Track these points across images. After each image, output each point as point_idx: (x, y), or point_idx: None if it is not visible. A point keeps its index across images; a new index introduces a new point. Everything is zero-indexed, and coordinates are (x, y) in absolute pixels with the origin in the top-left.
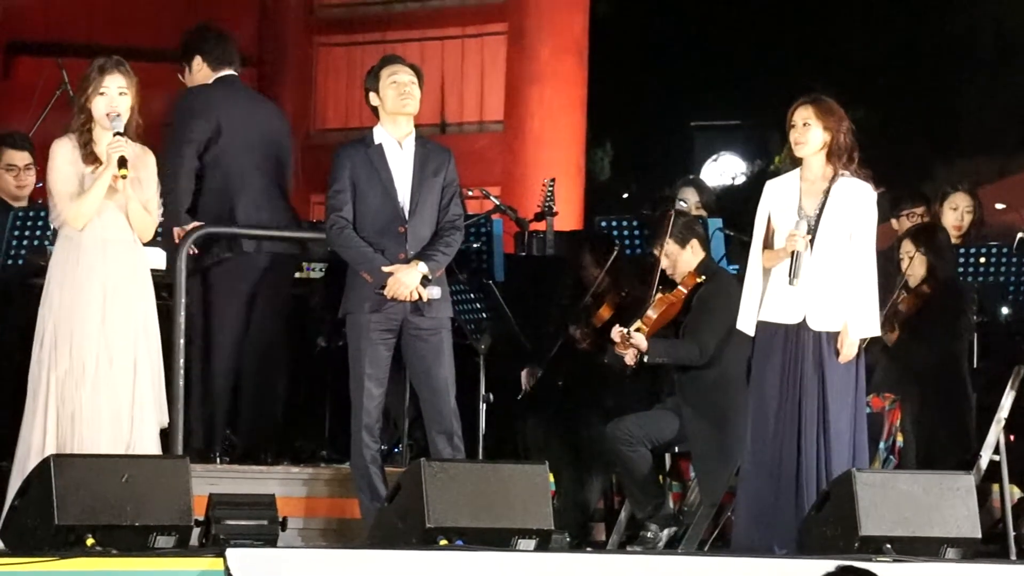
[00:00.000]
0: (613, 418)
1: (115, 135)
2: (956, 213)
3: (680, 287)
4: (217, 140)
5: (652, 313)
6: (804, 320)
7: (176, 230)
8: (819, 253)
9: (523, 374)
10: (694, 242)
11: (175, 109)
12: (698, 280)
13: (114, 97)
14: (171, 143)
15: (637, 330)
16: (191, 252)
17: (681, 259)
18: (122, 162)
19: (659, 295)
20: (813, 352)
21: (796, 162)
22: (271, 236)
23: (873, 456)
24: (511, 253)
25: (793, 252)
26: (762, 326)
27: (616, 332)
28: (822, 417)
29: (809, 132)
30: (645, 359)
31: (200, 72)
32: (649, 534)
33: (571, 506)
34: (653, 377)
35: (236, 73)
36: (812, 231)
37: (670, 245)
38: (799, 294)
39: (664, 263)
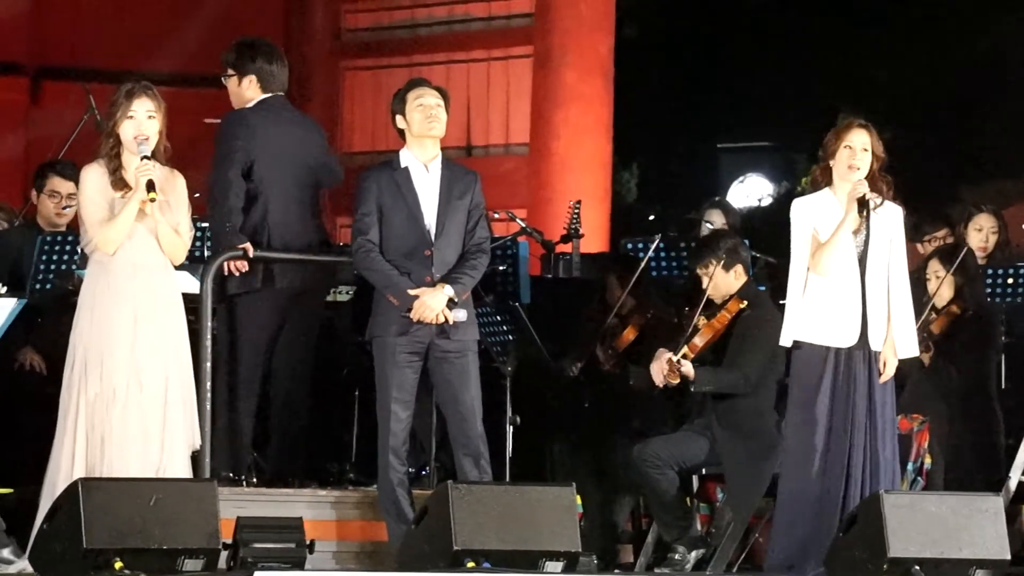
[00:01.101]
0: (639, 439)
1: (143, 159)
2: (981, 234)
3: (724, 312)
4: (257, 165)
5: (698, 341)
6: (856, 341)
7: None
8: (872, 272)
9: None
10: (738, 267)
11: (219, 131)
12: (741, 307)
13: (142, 121)
14: (216, 166)
15: (684, 356)
16: (236, 272)
17: (724, 282)
18: (150, 186)
19: (703, 321)
20: (866, 373)
21: (819, 184)
22: (301, 260)
23: (901, 478)
24: (537, 275)
25: (860, 198)
26: (810, 348)
27: (665, 360)
28: (870, 439)
29: (865, 158)
30: (692, 388)
31: (248, 90)
32: (677, 556)
33: (598, 528)
34: (679, 398)
35: (281, 94)
36: (863, 251)
37: (714, 267)
38: (854, 316)
39: (704, 283)
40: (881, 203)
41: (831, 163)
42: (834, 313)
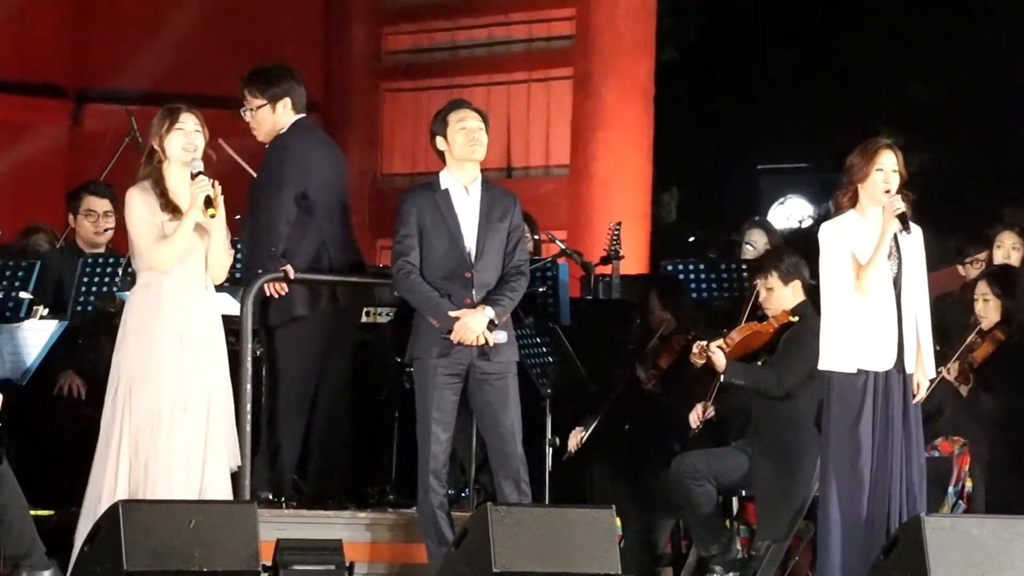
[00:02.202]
0: (683, 453)
1: (198, 175)
2: (1001, 251)
3: (772, 319)
4: (311, 190)
5: (736, 335)
6: (894, 364)
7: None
8: (906, 295)
9: (572, 434)
10: (797, 283)
11: (269, 155)
12: (791, 319)
13: (190, 132)
14: (268, 189)
15: (718, 347)
16: (276, 294)
17: (782, 296)
18: (208, 202)
19: (747, 321)
20: (901, 395)
21: (843, 208)
22: (344, 281)
23: (942, 501)
24: (577, 297)
25: (901, 215)
26: (850, 374)
27: (696, 344)
28: (905, 461)
29: (896, 178)
30: (721, 377)
31: (284, 114)
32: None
33: (638, 550)
34: (720, 420)
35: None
36: (896, 274)
37: (774, 280)
38: (891, 339)
39: (762, 296)
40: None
41: (860, 186)
42: (872, 336)
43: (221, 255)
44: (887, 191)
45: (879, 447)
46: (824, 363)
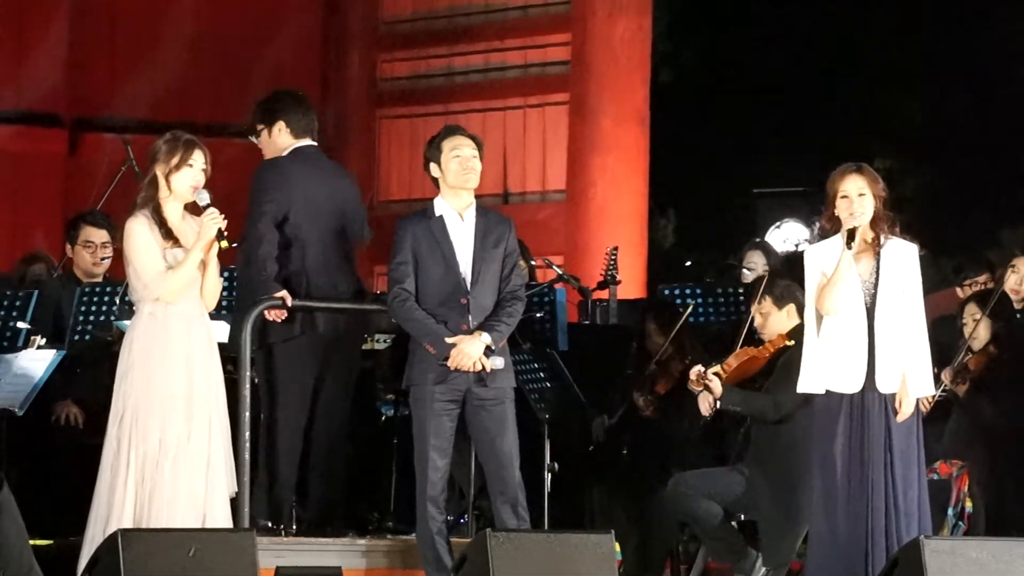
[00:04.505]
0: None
1: (207, 207)
2: (1017, 276)
3: (769, 344)
4: (292, 213)
5: (733, 361)
6: (867, 384)
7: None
8: (881, 316)
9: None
10: (791, 307)
11: (253, 181)
12: (787, 343)
13: (199, 171)
14: (249, 215)
15: (715, 374)
16: (276, 320)
17: (775, 319)
18: (219, 234)
19: (744, 347)
20: (879, 416)
21: (827, 233)
22: (338, 308)
23: (942, 523)
24: (574, 322)
25: (850, 230)
26: (825, 395)
27: (693, 371)
28: (891, 482)
29: (864, 202)
30: (718, 404)
31: (280, 137)
32: None
33: (637, 574)
34: (719, 443)
35: (315, 143)
36: (872, 295)
37: (768, 305)
38: (860, 361)
39: (757, 321)
40: (887, 241)
41: (835, 211)
42: (839, 358)
43: (214, 285)
44: (851, 215)
45: (855, 468)
46: (801, 385)
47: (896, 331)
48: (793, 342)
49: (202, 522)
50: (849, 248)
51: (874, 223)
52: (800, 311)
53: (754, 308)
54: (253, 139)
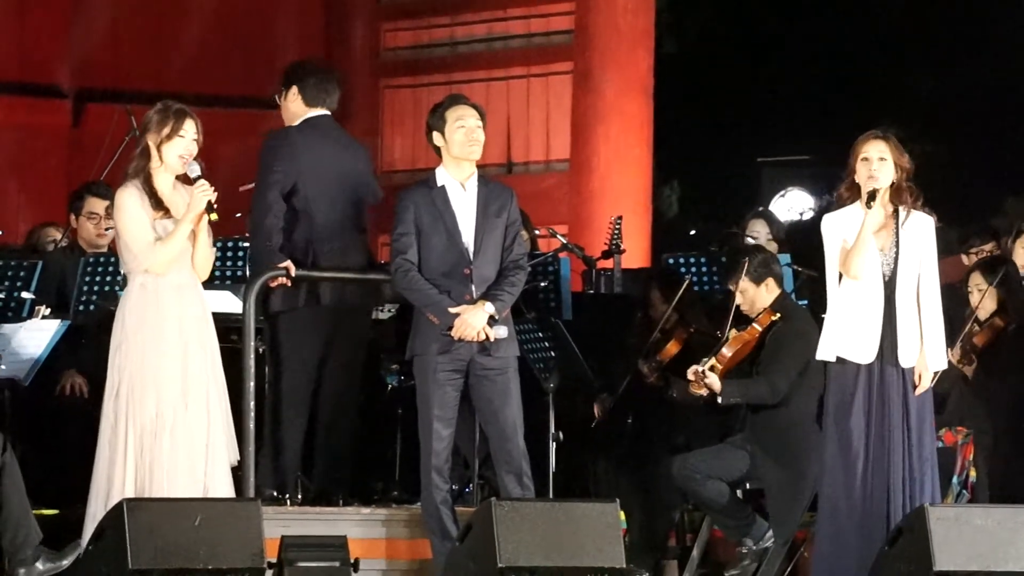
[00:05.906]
0: (682, 454)
1: (198, 179)
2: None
3: (755, 324)
4: (300, 184)
5: (727, 351)
6: (887, 357)
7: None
8: (901, 289)
9: (596, 405)
10: (770, 280)
11: (261, 150)
12: (773, 318)
13: (190, 142)
14: (256, 185)
15: (711, 368)
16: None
17: (757, 296)
18: (209, 206)
19: (734, 333)
20: (899, 389)
21: (844, 201)
22: (341, 278)
23: (946, 491)
24: (579, 291)
25: (870, 192)
26: (842, 364)
27: (692, 372)
28: (909, 453)
29: (884, 167)
30: (719, 400)
31: (293, 103)
32: (744, 549)
33: (642, 543)
34: (723, 413)
35: (329, 112)
36: (892, 268)
37: (745, 283)
38: (874, 331)
39: (739, 300)
40: (908, 214)
41: (855, 178)
42: (853, 328)
43: (205, 255)
44: (870, 178)
45: (875, 439)
46: (820, 353)
47: (914, 305)
48: (779, 315)
49: (203, 492)
50: (869, 207)
51: (895, 195)
52: (779, 282)
53: (731, 286)
54: (278, 99)
